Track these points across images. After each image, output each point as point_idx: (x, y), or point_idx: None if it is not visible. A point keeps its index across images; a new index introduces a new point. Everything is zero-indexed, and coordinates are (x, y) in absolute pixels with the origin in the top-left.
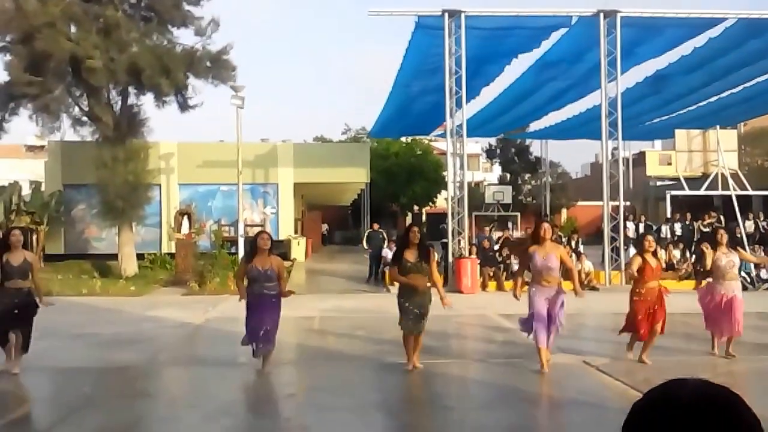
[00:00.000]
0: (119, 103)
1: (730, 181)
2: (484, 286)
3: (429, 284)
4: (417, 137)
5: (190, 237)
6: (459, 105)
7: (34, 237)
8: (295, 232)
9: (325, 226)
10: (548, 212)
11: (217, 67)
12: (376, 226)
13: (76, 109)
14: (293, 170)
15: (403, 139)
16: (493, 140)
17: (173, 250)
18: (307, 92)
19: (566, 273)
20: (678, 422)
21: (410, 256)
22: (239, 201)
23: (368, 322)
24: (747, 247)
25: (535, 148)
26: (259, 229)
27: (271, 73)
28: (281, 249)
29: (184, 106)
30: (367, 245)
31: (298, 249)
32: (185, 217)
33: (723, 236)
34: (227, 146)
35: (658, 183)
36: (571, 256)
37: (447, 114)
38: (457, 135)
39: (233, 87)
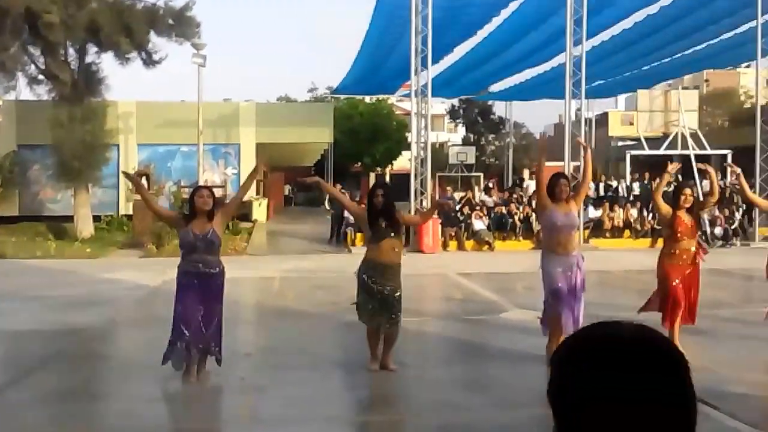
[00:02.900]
0: (77, 61)
1: (690, 141)
2: (445, 246)
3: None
4: (382, 97)
5: None
6: (424, 64)
7: None
8: (257, 193)
9: (287, 187)
10: (511, 172)
11: (180, 24)
12: (338, 187)
13: (33, 67)
14: (255, 130)
15: (368, 98)
16: (456, 101)
17: (131, 212)
18: (274, 51)
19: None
20: (620, 357)
21: (382, 221)
22: (200, 162)
23: (328, 281)
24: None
25: (499, 108)
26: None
27: (236, 31)
28: (243, 210)
29: (148, 62)
30: (329, 206)
31: (260, 210)
32: (143, 178)
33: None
34: (188, 106)
35: (620, 143)
36: (530, 216)
37: (412, 73)
38: (421, 95)
39: (194, 45)
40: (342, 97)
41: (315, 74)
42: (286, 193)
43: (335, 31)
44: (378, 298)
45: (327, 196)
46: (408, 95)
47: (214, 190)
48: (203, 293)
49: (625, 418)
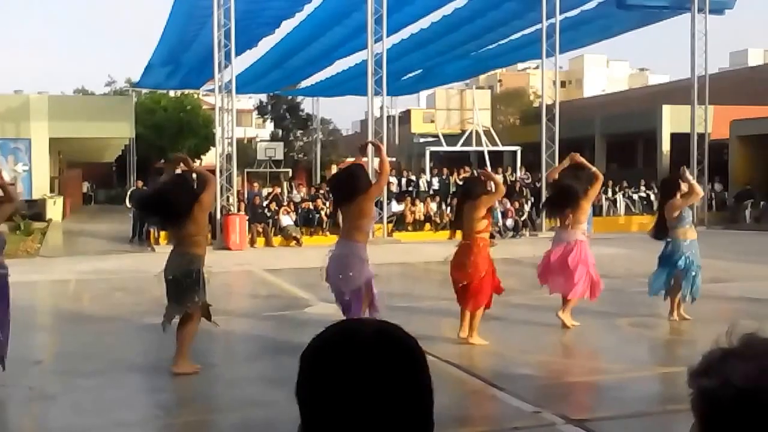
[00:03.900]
0: None
1: (483, 138)
2: (252, 243)
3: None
4: (187, 91)
5: None
6: (228, 59)
7: None
8: (52, 190)
9: (86, 184)
10: (318, 168)
11: None
12: (140, 184)
13: None
14: (48, 124)
15: (172, 92)
16: (264, 97)
17: None
18: (69, 42)
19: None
20: (362, 357)
21: None
22: None
23: (129, 282)
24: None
25: (308, 105)
26: None
27: (28, 21)
28: (35, 209)
29: None
30: (130, 204)
31: (54, 209)
32: None
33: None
34: None
35: (422, 139)
36: (337, 211)
37: (215, 68)
38: (226, 90)
39: None
40: (144, 90)
41: (113, 67)
42: (85, 190)
43: (134, 23)
44: None
45: (129, 193)
46: (213, 90)
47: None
48: None
49: (367, 410)
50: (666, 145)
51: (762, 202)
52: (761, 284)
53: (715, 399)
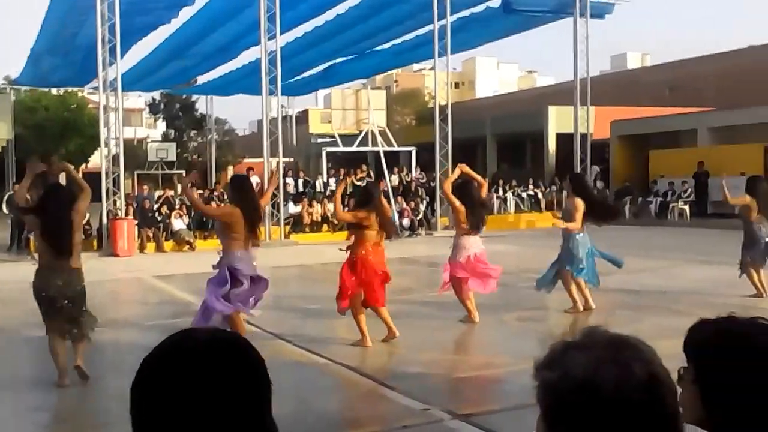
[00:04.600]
0: None
1: (379, 138)
2: (142, 248)
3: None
4: (71, 89)
5: None
6: (114, 55)
7: None
8: None
9: None
10: (214, 169)
11: None
12: (17, 188)
13: None
14: None
15: (55, 90)
16: (157, 95)
17: None
18: None
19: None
20: (192, 366)
21: None
22: None
23: (5, 293)
24: (392, 199)
25: (202, 104)
26: None
27: None
28: None
29: None
30: (7, 209)
31: None
32: None
33: None
34: None
35: (320, 140)
36: None
37: (99, 65)
38: (111, 88)
39: None
40: (23, 88)
41: None
42: None
43: (13, 13)
44: None
45: (6, 198)
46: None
47: None
48: None
49: (196, 416)
50: (552, 145)
51: (640, 199)
52: (639, 276)
53: (556, 391)
